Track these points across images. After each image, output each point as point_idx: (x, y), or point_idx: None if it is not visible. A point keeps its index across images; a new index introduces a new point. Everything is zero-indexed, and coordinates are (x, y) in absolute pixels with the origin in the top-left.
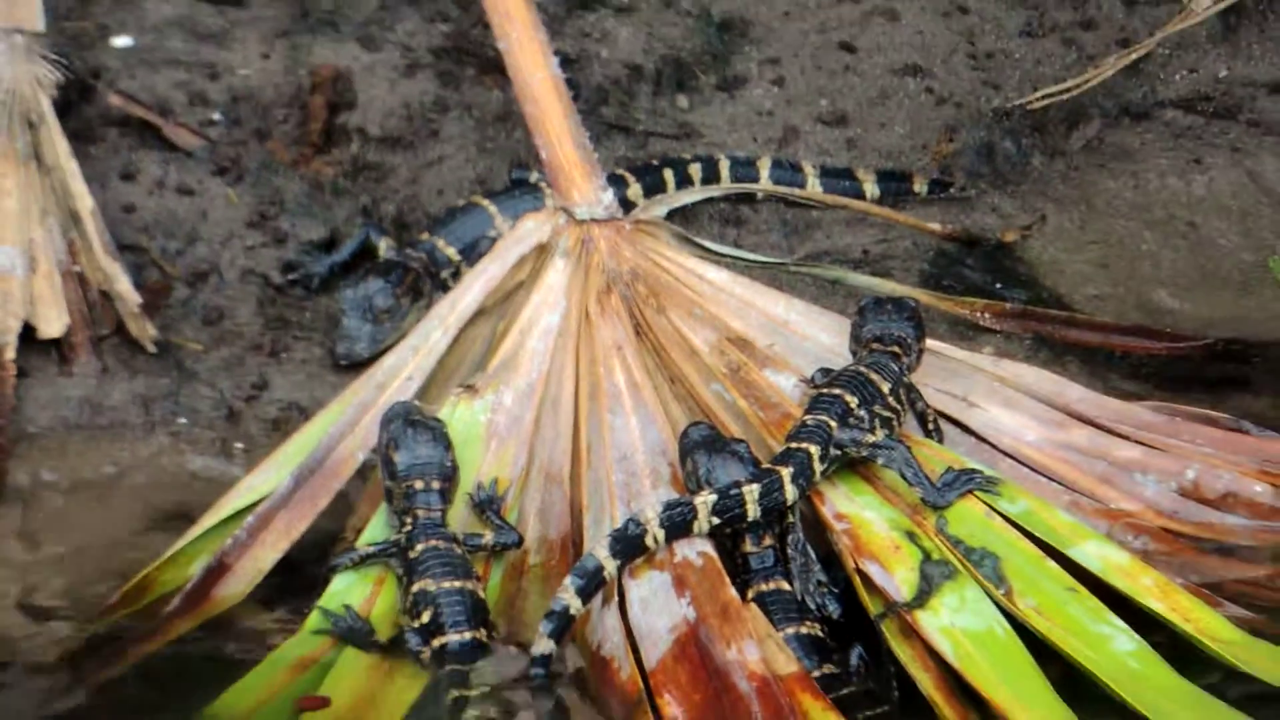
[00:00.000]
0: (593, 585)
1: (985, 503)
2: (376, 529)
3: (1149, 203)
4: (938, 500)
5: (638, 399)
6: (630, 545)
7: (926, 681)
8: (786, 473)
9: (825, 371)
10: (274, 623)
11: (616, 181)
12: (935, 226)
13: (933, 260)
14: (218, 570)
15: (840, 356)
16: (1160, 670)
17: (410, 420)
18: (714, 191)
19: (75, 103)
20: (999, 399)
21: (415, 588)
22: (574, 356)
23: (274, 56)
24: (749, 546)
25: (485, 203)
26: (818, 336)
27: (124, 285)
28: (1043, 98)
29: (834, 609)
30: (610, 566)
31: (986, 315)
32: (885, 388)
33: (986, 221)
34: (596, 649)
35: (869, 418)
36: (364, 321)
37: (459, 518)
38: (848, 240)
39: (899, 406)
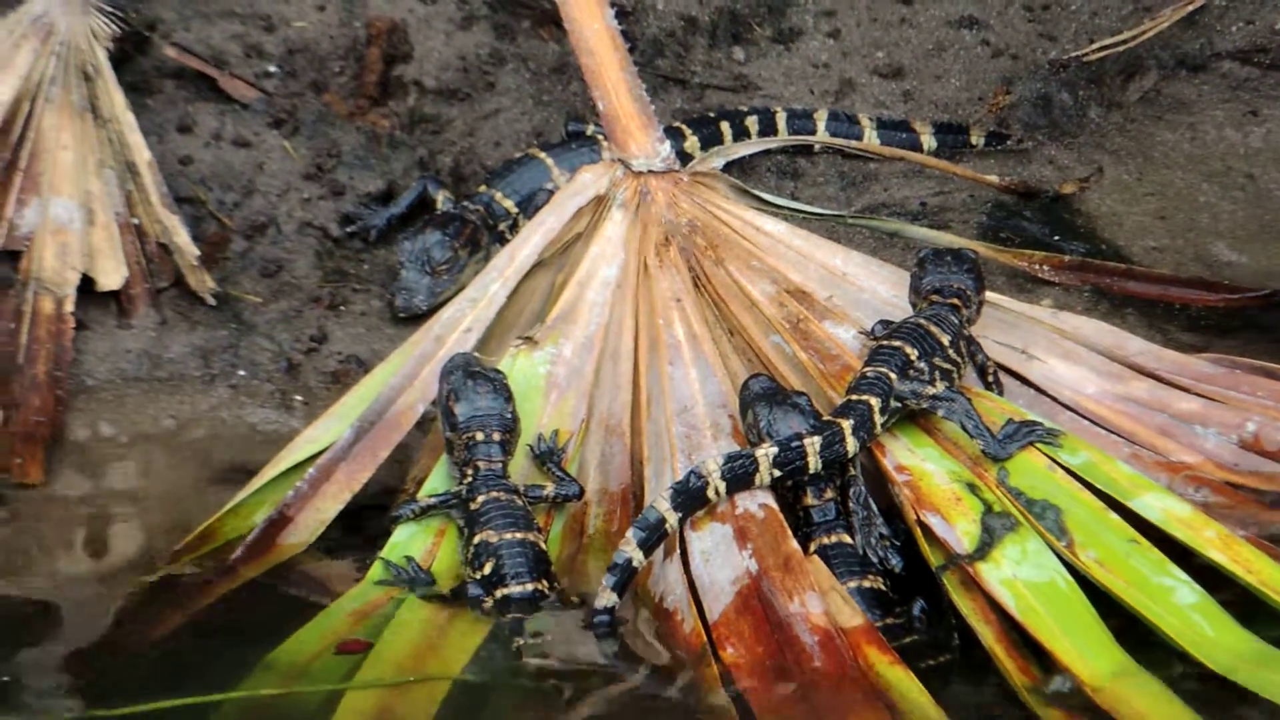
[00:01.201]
0: (655, 538)
1: (1046, 455)
2: (437, 480)
3: (1206, 154)
4: (999, 452)
5: (697, 351)
6: (692, 498)
7: (988, 633)
8: (847, 425)
9: (885, 324)
10: (335, 574)
11: (673, 134)
12: (993, 179)
13: (990, 212)
14: (279, 522)
15: (899, 309)
16: (1223, 623)
17: (470, 372)
18: (771, 144)
19: (131, 55)
20: (1058, 351)
21: (477, 539)
22: (633, 308)
23: (329, 8)
24: (810, 499)
25: (542, 155)
26: (876, 289)
27: (182, 237)
28: (1099, 49)
29: (896, 562)
30: (672, 519)
31: (1045, 268)
32: (945, 340)
33: (1044, 174)
34: (659, 601)
35: (929, 370)
36: (422, 274)
37: (520, 469)
38: (905, 192)
39: (959, 359)
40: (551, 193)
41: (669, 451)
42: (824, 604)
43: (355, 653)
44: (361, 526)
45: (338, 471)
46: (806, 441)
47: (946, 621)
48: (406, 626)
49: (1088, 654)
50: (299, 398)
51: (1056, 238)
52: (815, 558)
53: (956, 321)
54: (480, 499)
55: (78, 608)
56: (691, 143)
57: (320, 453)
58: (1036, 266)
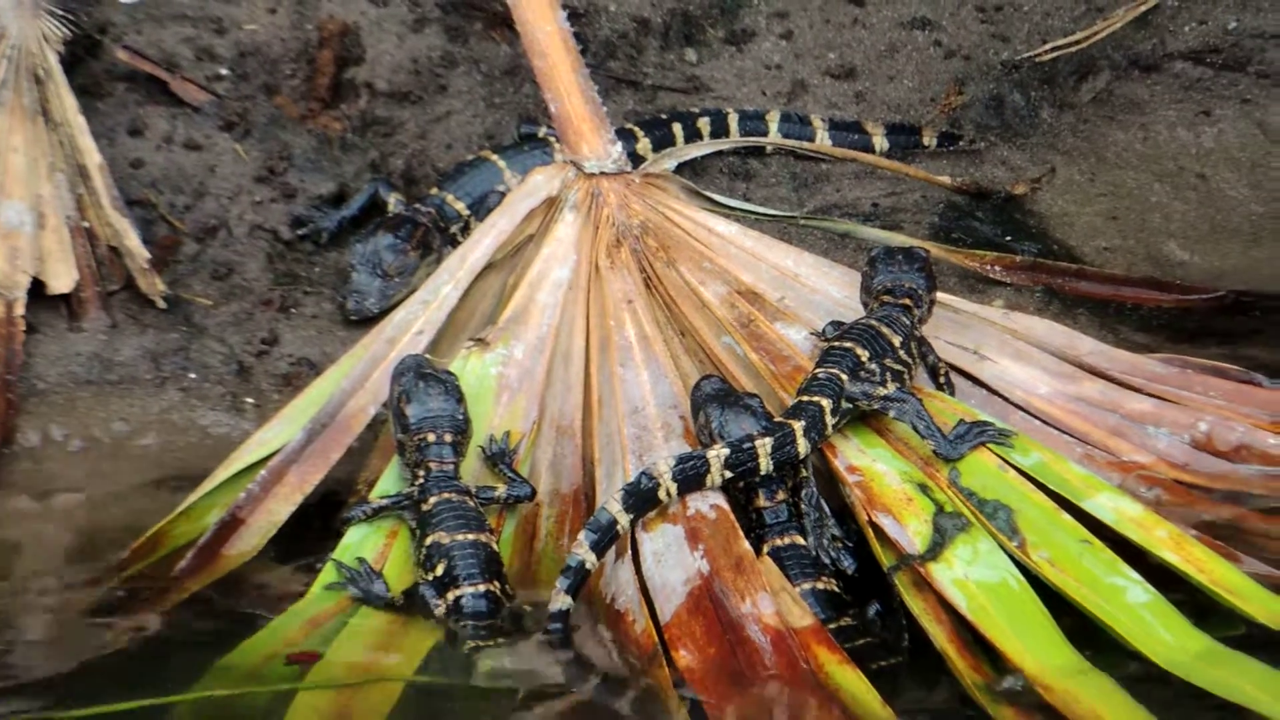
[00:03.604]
0: (607, 539)
1: (998, 455)
2: (389, 482)
3: (1158, 155)
4: (950, 453)
5: (649, 352)
6: (643, 499)
7: (939, 634)
8: (799, 426)
9: (836, 325)
10: (287, 577)
11: (625, 136)
12: (945, 179)
13: (942, 213)
14: (231, 525)
15: (851, 310)
16: (1174, 622)
17: (421, 373)
18: (723, 145)
19: (82, 58)
20: (1010, 352)
21: (429, 540)
22: (584, 310)
23: (281, 11)
24: (763, 501)
25: (494, 157)
26: (828, 290)
27: (133, 240)
28: (1052, 50)
29: (848, 564)
30: (623, 520)
31: (997, 268)
32: (896, 341)
33: (996, 174)
34: (611, 603)
35: (880, 371)
36: (374, 276)
37: (471, 471)
38: (857, 193)
39: (910, 360)
40: (503, 195)
41: (620, 453)
42: (775, 604)
43: (306, 663)
44: (313, 529)
45: (289, 474)
46: (758, 443)
47: (897, 622)
48: (361, 629)
49: (1039, 653)
50: (250, 400)
51: (1008, 238)
52: (767, 558)
53: (908, 322)
54: (432, 500)
55: (28, 612)
56: (644, 144)
57: (271, 455)
58: (988, 267)
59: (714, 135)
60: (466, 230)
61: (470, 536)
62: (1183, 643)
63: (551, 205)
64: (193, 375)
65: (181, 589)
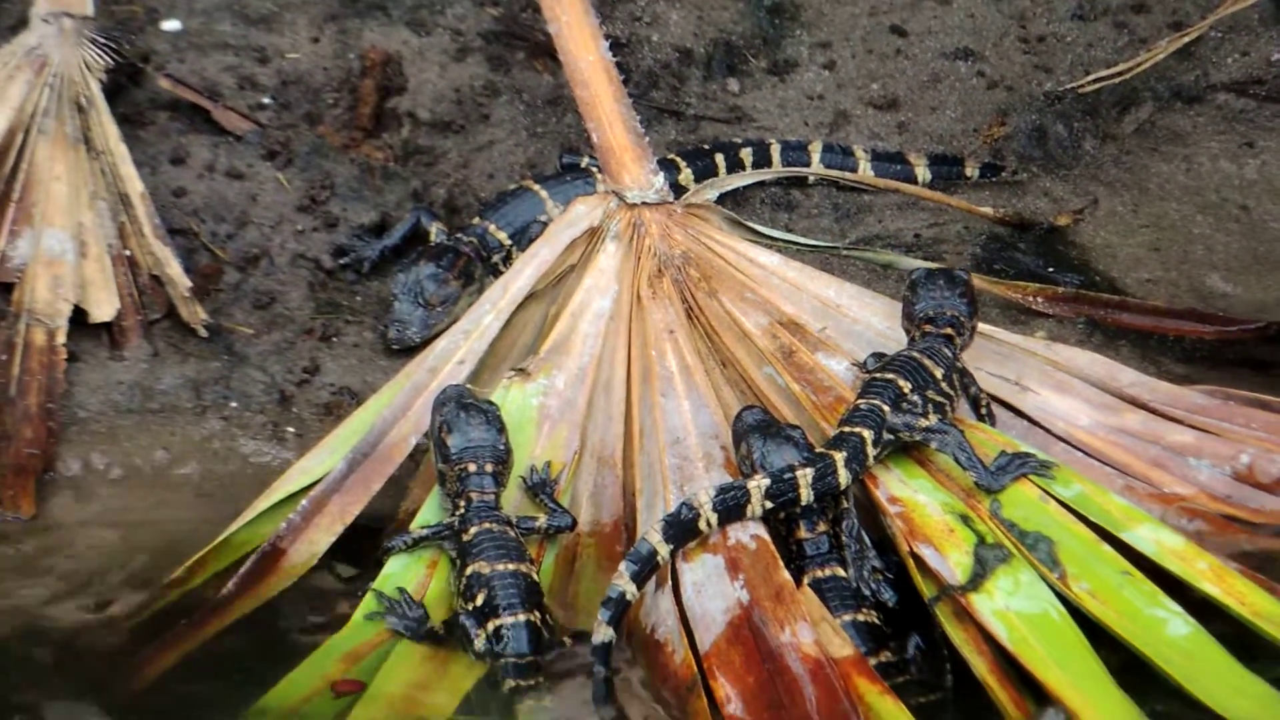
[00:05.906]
0: (647, 570)
1: (1039, 486)
2: (430, 512)
3: (1201, 186)
4: (991, 484)
5: (690, 382)
6: (684, 529)
7: (980, 665)
8: (840, 457)
9: (878, 356)
10: (327, 606)
11: (667, 166)
12: (987, 210)
13: (985, 244)
14: (272, 554)
15: (893, 340)
16: (1215, 654)
17: (463, 403)
18: (765, 175)
19: (125, 86)
20: (1052, 383)
21: (469, 570)
22: (626, 340)
23: (324, 40)
24: (803, 533)
25: (536, 187)
26: (870, 320)
27: (175, 269)
28: (1094, 81)
29: (889, 596)
30: (664, 551)
31: (1039, 299)
32: (938, 373)
33: (1038, 205)
34: (650, 633)
35: (922, 402)
36: (416, 306)
37: (512, 501)
38: (899, 224)
39: (952, 391)
40: (545, 225)
41: (661, 483)
42: (815, 634)
43: (350, 693)
44: (354, 559)
45: (330, 503)
46: (799, 473)
47: (939, 653)
48: (401, 666)
49: (1080, 685)
50: (291, 429)
51: (1051, 269)
52: (807, 588)
53: (950, 354)
54: (472, 530)
55: (68, 642)
56: (686, 175)
57: (313, 484)
58: (1030, 298)
59: (756, 165)
60: (508, 260)
61: (511, 566)
62: (1223, 676)
63: (593, 235)
64: (234, 404)
65: (221, 619)
